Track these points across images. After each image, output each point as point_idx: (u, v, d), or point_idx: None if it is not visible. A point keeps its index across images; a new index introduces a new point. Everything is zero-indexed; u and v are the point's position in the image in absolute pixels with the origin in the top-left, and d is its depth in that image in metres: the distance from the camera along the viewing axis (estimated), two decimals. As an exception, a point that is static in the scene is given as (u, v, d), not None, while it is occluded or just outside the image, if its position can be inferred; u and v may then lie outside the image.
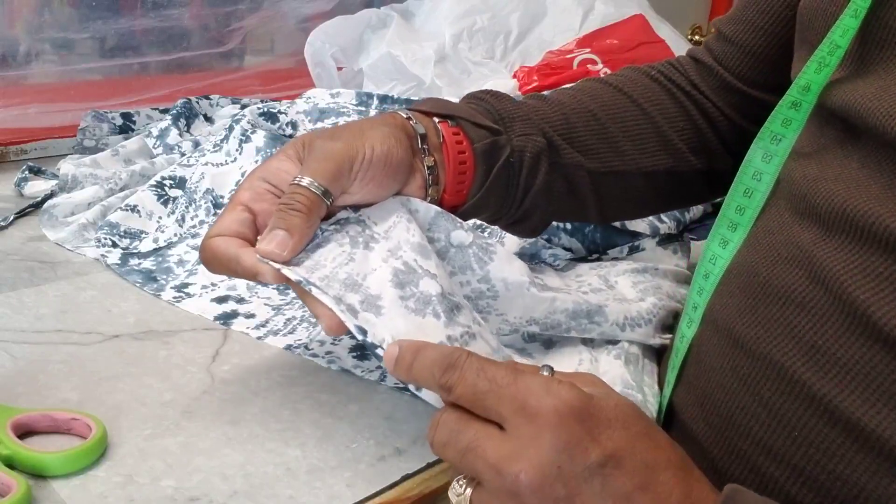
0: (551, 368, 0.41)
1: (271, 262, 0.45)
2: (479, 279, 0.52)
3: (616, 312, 0.56)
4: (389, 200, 0.50)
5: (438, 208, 0.52)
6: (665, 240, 0.72)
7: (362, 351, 0.57)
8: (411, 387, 0.43)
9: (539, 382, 0.38)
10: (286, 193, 0.47)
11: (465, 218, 0.56)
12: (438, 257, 0.51)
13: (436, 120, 0.54)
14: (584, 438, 0.37)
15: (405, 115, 0.53)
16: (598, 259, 0.70)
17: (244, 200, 0.49)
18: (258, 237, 0.47)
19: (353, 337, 0.45)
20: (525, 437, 0.37)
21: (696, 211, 0.84)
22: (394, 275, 0.46)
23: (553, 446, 0.36)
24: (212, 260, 0.48)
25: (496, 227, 0.64)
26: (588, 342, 0.57)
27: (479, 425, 0.38)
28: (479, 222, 0.73)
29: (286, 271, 0.45)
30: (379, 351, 0.43)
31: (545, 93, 0.64)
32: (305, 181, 0.46)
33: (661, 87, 0.65)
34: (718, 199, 0.83)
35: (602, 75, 0.95)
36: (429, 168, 0.52)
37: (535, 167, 0.57)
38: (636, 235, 0.72)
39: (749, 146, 0.49)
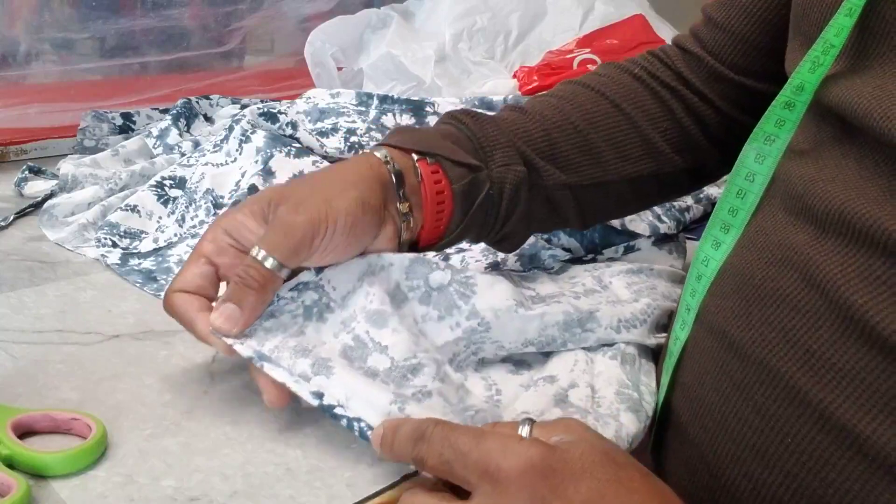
0: (531, 421, 0.42)
1: (223, 337, 0.47)
2: (466, 316, 0.52)
3: (609, 316, 0.56)
4: (355, 261, 0.51)
5: (413, 255, 0.52)
6: (660, 240, 0.72)
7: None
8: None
9: (500, 444, 0.38)
10: (243, 265, 0.47)
11: (444, 248, 0.57)
12: (420, 304, 0.52)
13: (415, 157, 0.53)
14: (548, 496, 0.36)
15: (383, 158, 0.52)
16: (594, 259, 0.69)
17: (207, 252, 0.49)
18: (216, 298, 0.49)
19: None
20: (491, 502, 0.37)
21: (696, 211, 0.84)
22: (342, 352, 0.48)
23: None
24: (172, 315, 0.49)
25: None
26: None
27: (449, 500, 0.39)
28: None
29: (237, 346, 0.47)
30: (338, 410, 0.45)
31: (525, 101, 0.63)
32: (261, 255, 0.47)
33: (643, 85, 0.64)
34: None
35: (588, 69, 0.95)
36: (403, 214, 0.52)
37: (516, 197, 0.57)
38: (635, 236, 0.72)
39: (737, 137, 0.49)
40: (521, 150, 0.57)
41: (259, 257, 0.47)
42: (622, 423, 0.48)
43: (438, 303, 0.52)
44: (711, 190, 0.85)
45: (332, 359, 0.47)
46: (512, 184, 0.56)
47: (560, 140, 0.59)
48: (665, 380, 0.51)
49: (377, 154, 0.53)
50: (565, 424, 0.42)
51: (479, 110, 0.60)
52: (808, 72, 0.45)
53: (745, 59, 0.62)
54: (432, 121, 0.83)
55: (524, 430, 0.41)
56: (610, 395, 0.51)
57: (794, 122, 0.46)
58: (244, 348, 0.46)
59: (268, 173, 0.75)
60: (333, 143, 0.79)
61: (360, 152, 0.54)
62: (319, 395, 0.45)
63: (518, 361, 0.56)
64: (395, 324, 0.49)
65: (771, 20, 0.59)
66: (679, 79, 0.64)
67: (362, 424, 0.44)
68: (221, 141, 0.80)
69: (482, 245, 0.71)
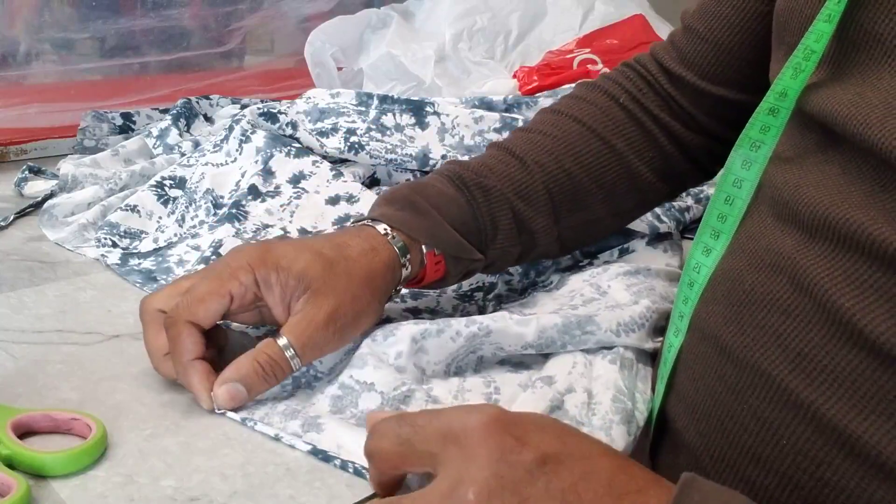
0: None
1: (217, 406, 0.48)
2: (465, 323, 0.53)
3: (608, 320, 0.56)
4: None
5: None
6: (655, 239, 0.71)
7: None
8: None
9: (457, 410, 0.39)
10: (269, 355, 0.48)
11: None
12: (416, 325, 0.53)
13: (424, 249, 0.56)
14: (515, 445, 0.37)
15: (401, 258, 0.54)
16: (590, 263, 0.69)
17: (233, 291, 0.49)
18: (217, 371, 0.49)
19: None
20: (460, 461, 0.37)
21: (696, 211, 0.84)
22: (332, 404, 0.49)
23: (488, 458, 0.36)
24: (171, 341, 0.48)
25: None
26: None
27: (410, 493, 0.38)
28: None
29: (230, 414, 0.48)
30: (332, 453, 0.45)
31: (520, 139, 0.64)
32: (289, 352, 0.48)
33: (629, 115, 0.65)
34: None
35: (600, 74, 0.95)
36: (391, 295, 0.56)
37: (504, 267, 0.63)
38: (632, 234, 0.72)
39: (721, 161, 0.49)
40: (521, 216, 0.60)
41: (281, 344, 0.48)
42: (613, 438, 0.48)
43: (436, 318, 0.54)
44: (711, 190, 0.85)
45: (321, 416, 0.47)
46: (503, 261, 0.61)
47: (556, 191, 0.62)
48: (660, 387, 0.51)
49: (395, 244, 0.54)
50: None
51: (481, 162, 0.62)
52: (790, 78, 0.45)
53: (728, 69, 0.61)
54: (432, 121, 0.83)
55: None
56: (606, 402, 0.51)
57: (779, 128, 0.46)
58: (235, 414, 0.48)
59: (268, 173, 0.75)
60: (333, 143, 0.79)
61: (377, 225, 0.55)
62: (312, 444, 0.46)
63: (517, 363, 0.56)
64: (375, 361, 0.51)
65: (753, 29, 0.59)
66: (664, 103, 0.65)
67: (357, 465, 0.44)
68: (221, 141, 0.80)
69: None
